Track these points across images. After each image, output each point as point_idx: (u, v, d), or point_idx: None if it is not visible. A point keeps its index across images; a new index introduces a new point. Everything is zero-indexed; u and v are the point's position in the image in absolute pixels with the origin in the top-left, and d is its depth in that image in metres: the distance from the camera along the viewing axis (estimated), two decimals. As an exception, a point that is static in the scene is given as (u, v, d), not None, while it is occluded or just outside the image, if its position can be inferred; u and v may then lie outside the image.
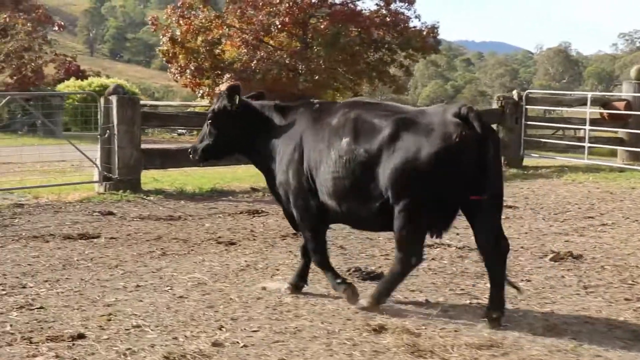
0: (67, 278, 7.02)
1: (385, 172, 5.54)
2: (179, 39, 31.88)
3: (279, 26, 30.90)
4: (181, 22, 31.57)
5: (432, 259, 7.98)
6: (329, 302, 6.25)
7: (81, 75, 46.25)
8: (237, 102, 6.40)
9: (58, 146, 14.71)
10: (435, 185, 5.41)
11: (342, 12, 31.69)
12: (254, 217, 10.50)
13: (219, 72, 32.72)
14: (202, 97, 33.00)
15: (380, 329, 5.48)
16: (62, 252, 8.10)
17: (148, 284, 6.81)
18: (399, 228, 5.56)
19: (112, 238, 8.87)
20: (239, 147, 6.68)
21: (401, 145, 5.49)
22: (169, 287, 6.70)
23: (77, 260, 7.76)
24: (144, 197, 11.81)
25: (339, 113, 5.99)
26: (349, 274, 7.14)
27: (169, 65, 33.69)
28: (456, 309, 6.11)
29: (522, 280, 7.08)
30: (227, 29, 32.42)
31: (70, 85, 41.32)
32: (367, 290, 6.39)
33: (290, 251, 8.23)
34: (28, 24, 28.88)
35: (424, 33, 33.19)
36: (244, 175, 14.60)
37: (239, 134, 6.52)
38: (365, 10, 33.02)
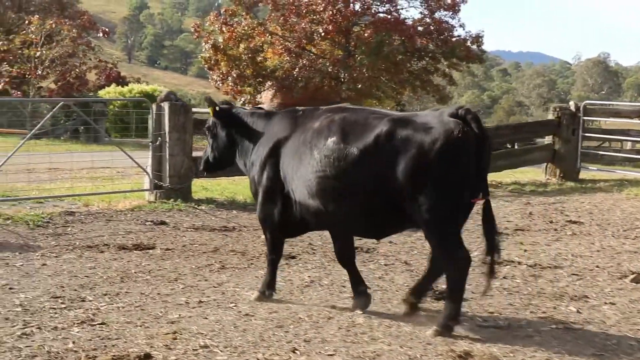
0: (126, 292, 6.74)
1: (389, 170, 5.41)
2: (221, 46, 31.80)
3: (322, 34, 30.74)
4: (224, 29, 31.54)
5: (504, 277, 7.59)
6: (404, 324, 5.90)
7: (121, 81, 46.48)
8: (211, 113, 6.67)
9: (105, 152, 14.56)
10: (449, 177, 5.33)
11: (386, 20, 31.44)
12: (309, 227, 10.16)
13: (261, 80, 32.62)
14: (243, 104, 32.80)
15: (465, 356, 5.12)
16: (118, 263, 7.84)
17: (211, 300, 6.51)
18: (432, 226, 5.44)
19: (167, 249, 8.59)
20: (233, 157, 6.77)
21: (402, 143, 5.39)
22: (233, 304, 6.39)
23: (135, 272, 7.48)
24: (195, 206, 11.54)
25: (322, 117, 5.98)
26: (420, 292, 6.78)
27: (210, 72, 33.68)
28: (542, 334, 5.74)
29: (606, 303, 6.66)
30: (269, 37, 32.32)
31: (111, 92, 41.47)
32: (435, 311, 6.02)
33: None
34: (73, 30, 28.93)
35: (468, 42, 32.73)
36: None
37: (230, 143, 6.69)
38: (408, 18, 32.76)
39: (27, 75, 27.66)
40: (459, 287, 5.51)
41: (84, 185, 13.31)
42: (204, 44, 32.86)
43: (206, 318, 5.98)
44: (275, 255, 6.53)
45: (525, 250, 8.92)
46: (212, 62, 32.47)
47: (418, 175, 5.32)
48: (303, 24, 31.32)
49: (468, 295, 6.78)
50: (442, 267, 5.69)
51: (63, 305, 6.26)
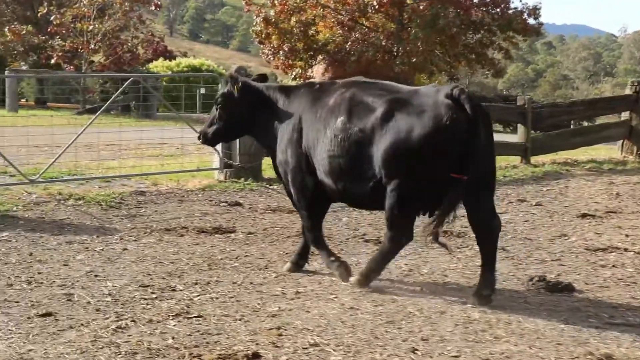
0: (217, 280, 6.36)
1: (377, 151, 5.61)
2: (273, 19, 31.27)
3: (376, 6, 30.00)
4: (276, 2, 30.98)
5: (613, 265, 7.09)
6: (524, 319, 5.44)
7: (168, 55, 46.28)
8: (237, 89, 6.52)
9: (159, 128, 14.20)
10: (426, 165, 5.47)
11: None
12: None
13: (312, 54, 32.10)
14: (294, 79, 32.35)
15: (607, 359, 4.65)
16: (201, 248, 7.47)
17: (308, 290, 6.10)
18: (390, 207, 5.66)
19: (249, 233, 8.21)
20: (247, 129, 6.82)
21: (393, 125, 5.55)
22: (333, 295, 5.97)
23: (221, 258, 7.11)
24: (267, 185, 11.14)
25: (337, 93, 6.06)
26: (532, 284, 6.32)
27: (261, 46, 33.20)
28: (680, 333, 5.23)
29: None
30: (321, 10, 31.71)
31: (158, 66, 41.36)
32: (554, 302, 5.55)
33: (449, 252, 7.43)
34: (126, 3, 28.62)
35: (525, 14, 31.82)
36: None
37: (245, 116, 6.63)
38: (463, -10, 31.84)
39: (79, 49, 27.45)
40: (389, 259, 6.03)
41: (148, 163, 12.99)
42: (255, 17, 32.36)
43: (308, 311, 5.57)
44: (317, 232, 6.47)
45: (627, 235, 8.37)
46: (263, 35, 31.98)
47: (401, 156, 5.50)
48: (356, -4, 30.67)
49: (582, 288, 6.34)
50: (383, 241, 6.03)
51: (154, 295, 5.90)
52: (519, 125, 14.70)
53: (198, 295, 5.94)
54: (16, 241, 7.62)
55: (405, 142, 5.49)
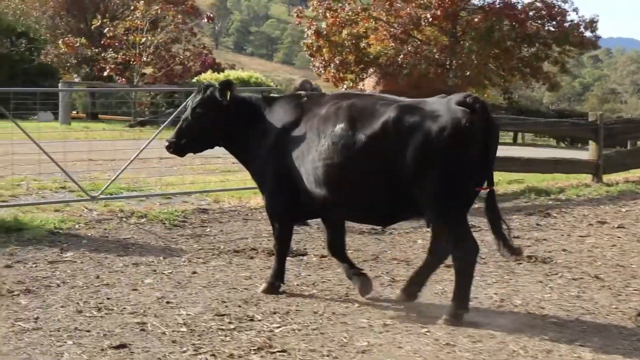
0: (296, 310, 5.94)
1: (397, 159, 5.40)
2: (325, 32, 30.96)
3: (430, 19, 29.49)
4: (327, 14, 30.65)
5: None
6: (640, 361, 4.94)
7: (216, 68, 46.19)
8: (228, 98, 6.29)
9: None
10: (450, 168, 5.33)
11: (496, 4, 30.00)
12: (466, 233, 9.21)
13: (363, 67, 31.72)
14: (345, 92, 31.94)
15: None
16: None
17: (397, 323, 5.65)
18: (437, 217, 5.53)
19: (322, 256, 7.78)
20: (221, 140, 6.53)
21: (409, 130, 5.37)
22: (424, 329, 5.51)
23: (297, 284, 6.70)
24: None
25: (329, 104, 5.90)
26: None
27: (312, 59, 32.92)
28: None
29: None
30: (373, 22, 31.32)
31: (207, 78, 41.21)
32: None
33: (539, 280, 6.96)
34: (178, 16, 28.51)
35: (582, 27, 31.09)
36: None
37: (223, 126, 6.39)
38: (519, 2, 31.21)
39: (131, 62, 27.39)
40: (468, 272, 5.53)
41: (207, 178, 12.65)
42: (306, 30, 32.08)
43: (400, 347, 5.14)
44: (284, 245, 6.40)
45: None
46: (314, 48, 31.68)
47: (424, 162, 5.33)
48: (409, 9, 30.19)
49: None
50: (450, 253, 5.68)
51: (232, 326, 5.51)
52: (590, 142, 14.08)
53: (279, 327, 5.53)
54: (81, 262, 7.31)
55: (431, 144, 5.33)
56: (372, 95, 6.09)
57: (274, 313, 5.83)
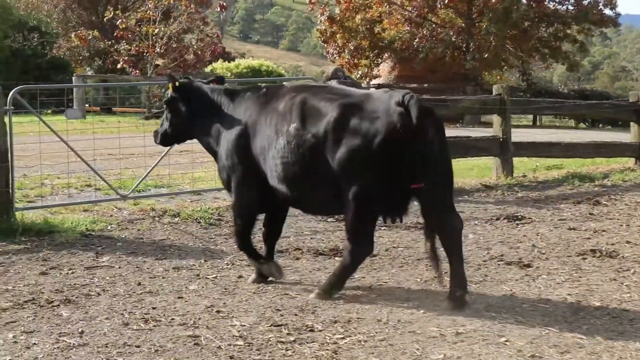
0: (358, 317, 5.51)
1: (332, 158, 5.52)
2: (338, 18, 30.44)
3: (446, 1, 28.88)
4: (341, 0, 30.10)
5: None
6: None
7: (226, 57, 45.73)
8: (172, 89, 6.49)
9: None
10: (381, 172, 5.41)
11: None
12: (517, 224, 8.79)
13: (378, 52, 31.20)
14: (360, 78, 31.43)
15: None
16: (325, 274, 6.60)
17: (470, 331, 5.21)
18: (349, 217, 5.61)
19: (372, 255, 7.25)
20: (192, 131, 6.63)
21: (346, 133, 5.46)
22: (503, 338, 5.06)
23: (354, 288, 6.25)
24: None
25: (286, 98, 5.93)
26: None
27: (325, 45, 32.42)
28: None
29: None
30: (387, 6, 30.78)
31: (218, 67, 40.76)
32: None
33: (613, 278, 6.52)
34: (191, 6, 28.00)
35: (601, 5, 30.45)
36: (458, 169, 13.01)
37: (190, 118, 6.51)
38: (536, -19, 30.54)
39: (144, 53, 26.93)
40: (351, 272, 5.92)
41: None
42: (319, 16, 31.57)
43: (479, 359, 4.69)
44: (247, 238, 6.42)
45: None
46: (328, 34, 31.16)
47: (354, 163, 5.42)
48: (423, -9, 29.64)
49: None
50: (346, 245, 5.83)
51: (291, 338, 5.08)
52: (632, 124, 13.57)
53: (342, 337, 5.10)
54: (119, 267, 6.90)
55: (359, 149, 5.41)
56: (324, 89, 6.02)
57: (335, 322, 5.40)
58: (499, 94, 12.06)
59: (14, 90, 8.69)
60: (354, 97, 5.72)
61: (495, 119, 12.21)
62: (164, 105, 6.73)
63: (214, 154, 6.49)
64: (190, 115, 6.51)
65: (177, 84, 6.50)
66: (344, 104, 5.59)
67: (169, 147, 9.07)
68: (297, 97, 5.86)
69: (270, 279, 6.40)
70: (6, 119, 8.23)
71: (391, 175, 5.44)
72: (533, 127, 30.00)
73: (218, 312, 5.62)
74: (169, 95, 6.60)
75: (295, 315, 5.55)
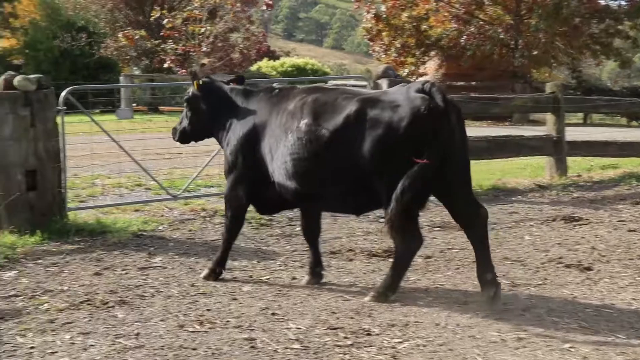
0: (415, 321, 5.40)
1: (357, 153, 5.48)
2: (384, 16, 30.25)
3: (494, -3, 28.51)
4: (387, -3, 29.95)
5: None
6: None
7: (271, 55, 45.81)
8: (196, 87, 6.57)
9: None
10: (410, 159, 5.30)
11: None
12: (575, 226, 8.58)
13: (425, 50, 30.94)
14: (407, 76, 31.18)
15: None
16: (379, 276, 6.49)
17: (533, 336, 5.06)
18: (390, 211, 5.39)
19: (427, 257, 7.23)
20: (211, 130, 6.67)
21: (369, 125, 5.44)
22: (568, 344, 4.91)
23: (409, 291, 6.14)
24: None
25: (297, 98, 5.95)
26: None
27: (371, 43, 32.25)
28: None
29: None
30: (434, 4, 30.49)
31: (263, 66, 40.89)
32: None
33: None
34: (237, 4, 28.03)
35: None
36: (510, 169, 12.84)
37: (209, 117, 6.56)
38: (587, -24, 29.96)
39: (191, 53, 27.03)
40: (405, 263, 5.76)
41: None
42: (365, 14, 31.41)
43: (546, 367, 4.55)
44: (232, 236, 6.49)
45: None
46: (374, 32, 30.99)
47: (387, 153, 5.38)
48: (471, -12, 29.33)
49: None
50: (395, 241, 5.71)
51: (348, 342, 4.99)
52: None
53: (400, 342, 4.99)
54: (172, 268, 6.87)
55: (387, 137, 5.39)
56: (336, 90, 5.99)
57: (392, 325, 5.30)
58: (553, 92, 11.82)
59: (66, 90, 8.73)
60: (371, 93, 5.84)
61: (549, 117, 11.98)
62: (185, 103, 6.79)
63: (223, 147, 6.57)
64: (209, 114, 6.58)
65: (200, 82, 6.58)
66: (362, 99, 5.61)
67: (219, 148, 9.05)
68: (308, 96, 5.89)
69: (322, 280, 6.39)
70: (58, 120, 8.23)
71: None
72: (583, 125, 29.47)
73: (273, 314, 5.55)
74: (190, 93, 6.68)
75: (352, 318, 5.46)
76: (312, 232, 6.49)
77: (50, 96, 7.96)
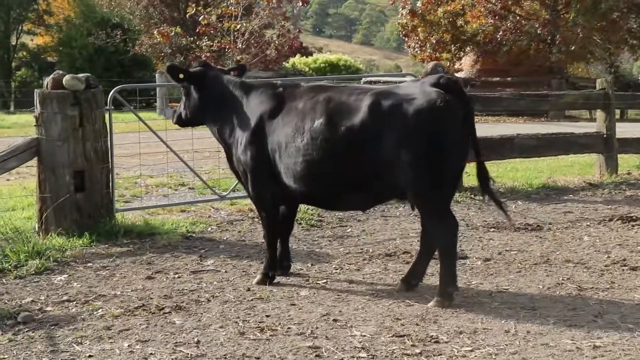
0: (484, 328, 5.20)
1: (377, 148, 5.44)
2: (420, 11, 29.97)
3: (532, -8, 28.11)
4: (423, -8, 29.64)
5: None
6: None
7: (303, 51, 45.65)
8: (180, 78, 6.50)
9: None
10: (430, 149, 5.33)
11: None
12: (633, 226, 8.32)
13: (460, 45, 30.63)
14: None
15: None
16: (436, 279, 6.26)
17: (609, 344, 4.84)
18: (421, 203, 5.58)
19: (486, 259, 7.03)
20: (204, 118, 6.61)
21: (387, 119, 5.41)
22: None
23: (473, 295, 5.94)
24: (472, 196, 9.87)
25: (306, 97, 5.88)
26: None
27: (406, 39, 31.98)
28: None
29: None
30: (470, -1, 30.18)
31: (296, 62, 40.74)
32: None
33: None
34: (273, 0, 27.90)
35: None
36: (557, 166, 12.58)
37: (204, 104, 6.50)
38: (626, -30, 29.47)
39: (226, 49, 26.94)
40: (451, 252, 5.62)
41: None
42: (400, 9, 31.16)
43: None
44: (274, 234, 6.34)
45: None
46: (409, 28, 30.72)
47: (405, 146, 5.33)
48: (508, -17, 28.96)
49: None
50: (432, 234, 5.77)
51: (417, 350, 4.81)
52: None
53: (470, 350, 4.80)
54: (225, 272, 6.73)
55: (409, 128, 5.35)
56: (345, 87, 5.99)
57: (460, 333, 5.10)
58: (603, 88, 11.53)
59: (114, 89, 8.63)
60: (383, 88, 5.75)
61: (599, 114, 11.68)
62: (181, 88, 6.73)
63: (224, 143, 6.48)
64: (201, 102, 6.52)
65: (180, 76, 6.50)
66: (375, 93, 5.56)
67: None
68: (318, 95, 5.82)
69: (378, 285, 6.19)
70: (106, 119, 8.13)
71: (441, 152, 5.41)
72: (620, 120, 28.98)
73: (335, 320, 5.38)
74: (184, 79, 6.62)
75: (417, 325, 5.27)
76: (287, 229, 6.56)
77: (99, 95, 7.84)
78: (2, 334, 5.16)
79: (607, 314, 5.41)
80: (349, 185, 5.73)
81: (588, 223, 8.51)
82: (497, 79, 29.63)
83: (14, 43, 41.65)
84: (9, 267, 6.69)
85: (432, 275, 6.48)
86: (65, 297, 6.00)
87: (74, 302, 5.87)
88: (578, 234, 8.01)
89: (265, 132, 6.03)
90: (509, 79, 29.52)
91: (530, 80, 28.84)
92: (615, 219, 8.59)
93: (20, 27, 42.57)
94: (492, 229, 8.19)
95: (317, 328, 5.22)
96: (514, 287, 6.15)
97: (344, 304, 5.76)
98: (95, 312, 5.61)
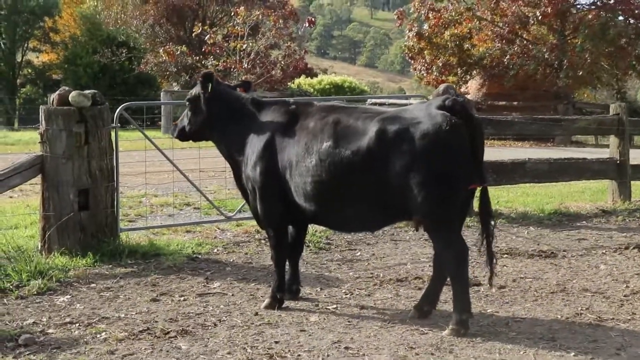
0: (502, 359, 4.98)
1: (384, 173, 5.39)
2: (426, 34, 29.90)
3: (539, 17, 28.04)
4: (430, 15, 29.56)
5: None
6: None
7: (308, 72, 45.60)
8: (209, 90, 6.34)
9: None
10: (438, 171, 5.28)
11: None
12: (651, 254, 8.12)
13: (467, 68, 30.53)
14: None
15: None
16: (450, 306, 6.08)
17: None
18: (430, 227, 5.49)
19: (501, 287, 6.82)
20: (211, 134, 6.53)
21: (393, 141, 5.36)
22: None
23: (489, 324, 5.74)
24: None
25: (316, 117, 5.85)
26: None
27: (412, 61, 31.90)
28: None
29: None
30: (477, 22, 30.10)
31: (301, 83, 40.66)
32: None
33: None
34: (280, 21, 27.82)
35: None
36: (569, 192, 12.40)
37: (211, 120, 6.40)
38: (634, -6, 29.36)
39: (232, 69, 26.85)
40: (462, 278, 5.44)
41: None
42: (407, 32, 31.07)
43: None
44: (281, 253, 6.20)
45: None
46: (416, 50, 30.63)
47: (412, 170, 5.28)
48: (514, 7, 28.84)
49: None
50: (442, 259, 5.66)
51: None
52: None
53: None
54: (232, 295, 6.53)
55: (415, 152, 5.29)
56: (355, 109, 5.90)
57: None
58: (617, 113, 11.36)
59: (120, 107, 8.48)
60: (390, 112, 5.66)
61: (612, 140, 11.50)
62: (186, 102, 6.57)
63: (232, 160, 6.39)
64: (210, 118, 6.42)
65: (209, 86, 6.36)
66: (382, 119, 5.50)
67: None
68: (328, 117, 5.78)
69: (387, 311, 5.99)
70: (112, 137, 7.97)
71: (448, 176, 5.33)
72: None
73: (346, 348, 5.20)
74: (193, 93, 6.49)
75: (432, 354, 5.08)
76: (297, 251, 6.42)
77: (105, 112, 7.68)
78: (2, 357, 4.96)
79: (631, 347, 5.21)
80: (358, 208, 5.63)
81: (603, 251, 8.31)
82: (503, 102, 29.48)
83: (19, 60, 41.61)
84: (11, 286, 6.51)
85: (446, 302, 6.29)
86: (67, 319, 5.81)
87: (77, 325, 5.69)
88: (594, 262, 7.81)
89: (277, 149, 5.95)
90: (515, 103, 29.37)
91: (537, 105, 28.71)
92: (632, 247, 8.37)
93: (26, 44, 42.57)
94: (506, 255, 7.99)
95: (328, 356, 5.04)
96: (531, 316, 5.95)
97: (355, 331, 5.56)
98: (98, 335, 5.43)
